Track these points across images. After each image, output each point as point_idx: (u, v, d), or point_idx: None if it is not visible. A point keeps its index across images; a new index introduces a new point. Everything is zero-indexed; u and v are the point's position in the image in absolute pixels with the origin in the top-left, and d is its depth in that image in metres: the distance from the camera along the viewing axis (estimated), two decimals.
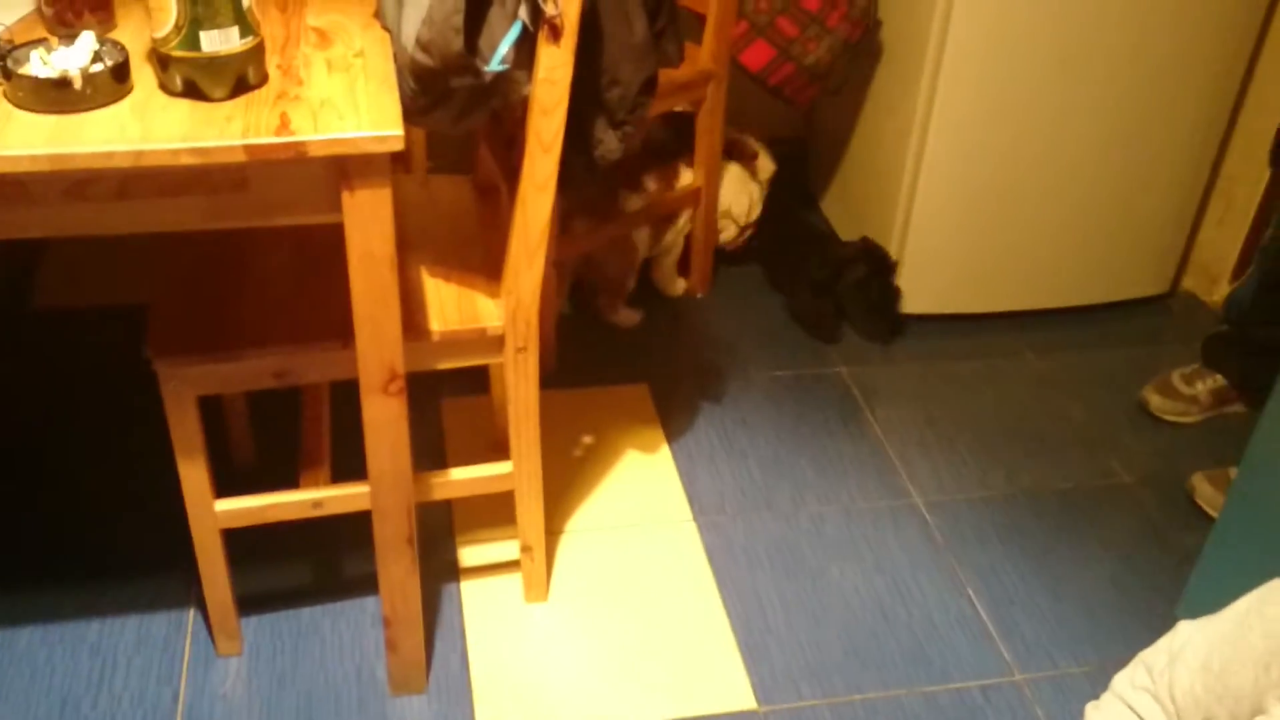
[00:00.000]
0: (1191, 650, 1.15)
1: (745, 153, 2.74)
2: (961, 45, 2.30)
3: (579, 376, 2.41)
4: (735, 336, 2.58)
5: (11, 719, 1.68)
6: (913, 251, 2.54)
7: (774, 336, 2.59)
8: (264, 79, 1.32)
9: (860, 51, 2.53)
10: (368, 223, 1.31)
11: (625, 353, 2.49)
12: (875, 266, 2.54)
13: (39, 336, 2.42)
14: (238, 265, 1.69)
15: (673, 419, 2.33)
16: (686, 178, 2.56)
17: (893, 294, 2.53)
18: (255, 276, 1.67)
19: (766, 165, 2.78)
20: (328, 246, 1.64)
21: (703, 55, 2.39)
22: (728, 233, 2.73)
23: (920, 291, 2.58)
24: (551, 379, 2.37)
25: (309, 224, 1.34)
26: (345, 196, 1.29)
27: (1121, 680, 1.24)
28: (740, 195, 2.68)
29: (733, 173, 2.67)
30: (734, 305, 2.68)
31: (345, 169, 1.27)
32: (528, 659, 1.83)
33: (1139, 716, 1.18)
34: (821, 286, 2.58)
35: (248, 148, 1.21)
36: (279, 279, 1.67)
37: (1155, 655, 1.21)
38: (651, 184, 2.50)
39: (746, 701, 1.78)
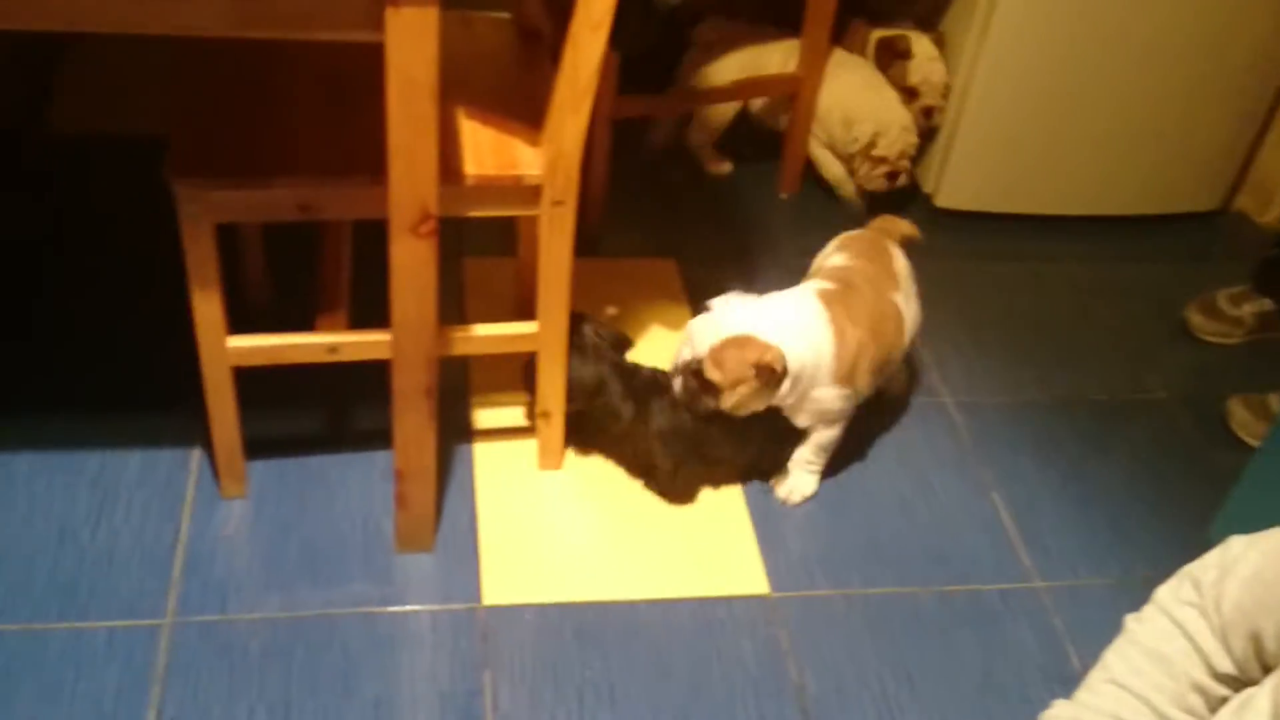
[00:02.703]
0: (1244, 563, 1.11)
1: (894, 50, 2.39)
2: None
3: (604, 246, 2.33)
4: (769, 217, 2.49)
5: (8, 546, 1.63)
6: (962, 145, 2.43)
7: (808, 218, 2.49)
8: None
9: None
10: (411, 44, 1.22)
11: (655, 226, 2.40)
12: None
13: (54, 160, 2.33)
14: (264, 92, 1.59)
15: (700, 297, 2.25)
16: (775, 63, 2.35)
17: None
18: (282, 104, 1.57)
19: (927, 74, 2.38)
20: (359, 77, 1.54)
21: None
22: (861, 163, 2.37)
23: (964, 187, 2.48)
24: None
25: (342, 47, 1.25)
26: (390, 13, 1.19)
27: (1165, 593, 1.19)
28: (865, 106, 2.36)
29: (854, 74, 2.39)
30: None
31: None
32: (539, 526, 1.78)
33: (1183, 629, 1.14)
34: None
35: None
36: (307, 109, 1.57)
37: (1204, 569, 1.17)
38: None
39: (759, 586, 1.74)
